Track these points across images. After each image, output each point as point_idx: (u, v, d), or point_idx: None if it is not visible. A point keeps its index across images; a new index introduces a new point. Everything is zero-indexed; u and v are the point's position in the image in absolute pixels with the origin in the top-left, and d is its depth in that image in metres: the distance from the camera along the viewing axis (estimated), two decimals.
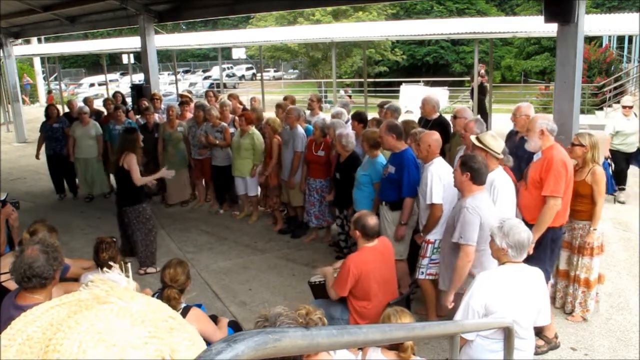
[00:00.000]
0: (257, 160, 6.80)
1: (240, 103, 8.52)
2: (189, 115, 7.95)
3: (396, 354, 2.62)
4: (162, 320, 0.61)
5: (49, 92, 24.70)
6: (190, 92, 9.98)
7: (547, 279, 4.02)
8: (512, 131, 5.10)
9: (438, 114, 6.00)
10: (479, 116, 6.54)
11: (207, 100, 8.42)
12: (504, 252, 2.83)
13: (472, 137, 4.00)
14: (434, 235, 4.23)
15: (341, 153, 5.50)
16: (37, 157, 8.76)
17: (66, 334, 0.56)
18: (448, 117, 6.02)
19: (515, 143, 4.84)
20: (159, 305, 0.65)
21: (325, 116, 7.02)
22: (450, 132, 5.67)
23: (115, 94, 9.91)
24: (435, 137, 4.33)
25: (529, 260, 2.97)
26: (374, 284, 3.62)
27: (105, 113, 8.73)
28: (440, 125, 5.69)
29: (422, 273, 4.27)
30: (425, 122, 5.83)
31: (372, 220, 3.66)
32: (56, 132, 8.38)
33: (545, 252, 3.94)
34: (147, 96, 9.12)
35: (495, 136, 3.94)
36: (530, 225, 3.77)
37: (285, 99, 7.81)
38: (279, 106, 7.27)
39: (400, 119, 5.73)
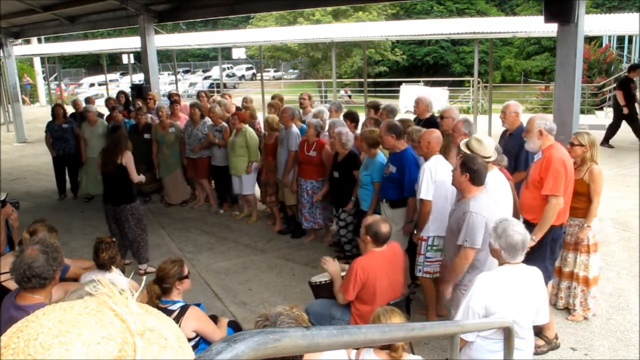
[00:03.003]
0: (252, 157, 6.82)
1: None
2: (181, 114, 7.93)
3: (388, 353, 2.62)
4: (153, 333, 0.59)
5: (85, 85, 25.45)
6: (177, 92, 9.95)
7: (548, 278, 4.02)
8: (505, 131, 5.09)
9: (430, 114, 6.02)
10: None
11: (199, 101, 8.41)
12: (498, 253, 2.85)
13: (462, 144, 3.95)
14: (427, 232, 4.25)
15: (340, 151, 5.49)
16: (52, 155, 8.50)
17: (37, 319, 0.58)
18: None
19: (506, 140, 4.89)
20: (155, 318, 0.63)
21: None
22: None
23: (119, 94, 9.79)
24: (435, 134, 4.35)
25: (528, 259, 2.97)
26: (380, 288, 3.60)
27: (108, 113, 8.73)
28: (431, 124, 5.67)
29: (420, 271, 4.32)
30: (418, 122, 5.83)
31: (385, 228, 3.61)
32: (65, 132, 8.32)
33: (545, 251, 3.94)
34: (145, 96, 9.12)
35: (480, 139, 3.85)
36: (531, 225, 3.81)
37: (273, 97, 7.78)
38: (271, 106, 7.30)
39: (397, 119, 5.73)
